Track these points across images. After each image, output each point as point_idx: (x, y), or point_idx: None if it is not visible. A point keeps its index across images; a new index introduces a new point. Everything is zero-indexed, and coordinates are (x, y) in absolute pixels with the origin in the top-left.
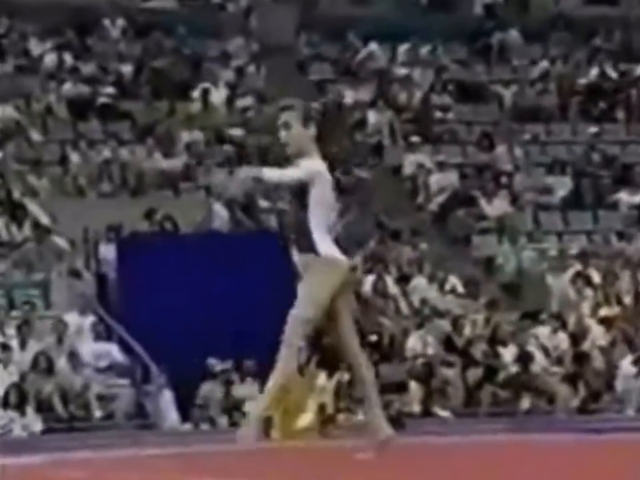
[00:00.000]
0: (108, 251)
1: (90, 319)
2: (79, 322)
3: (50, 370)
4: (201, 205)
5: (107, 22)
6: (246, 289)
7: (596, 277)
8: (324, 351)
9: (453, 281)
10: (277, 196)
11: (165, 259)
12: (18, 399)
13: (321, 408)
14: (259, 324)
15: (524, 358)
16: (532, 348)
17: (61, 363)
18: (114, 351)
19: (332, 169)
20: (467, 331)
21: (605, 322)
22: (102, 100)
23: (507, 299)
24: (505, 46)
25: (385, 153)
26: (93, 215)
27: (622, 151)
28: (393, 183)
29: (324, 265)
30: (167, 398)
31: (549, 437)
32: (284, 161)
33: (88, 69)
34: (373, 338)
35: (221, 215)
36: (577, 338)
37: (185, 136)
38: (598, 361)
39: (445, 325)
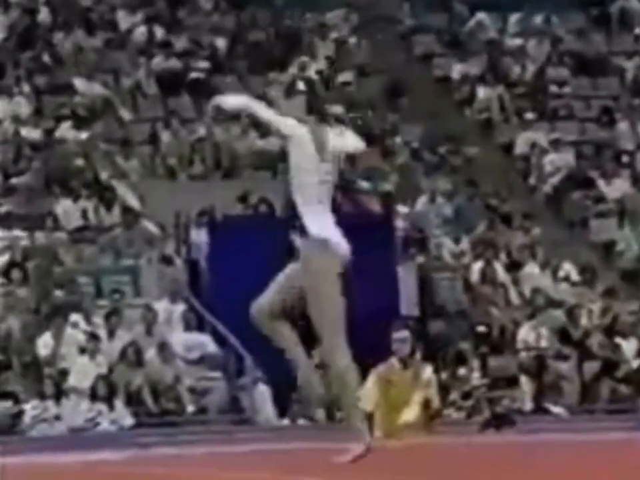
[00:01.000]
0: (199, 236)
1: (181, 308)
2: (169, 310)
3: (139, 361)
4: None
5: None
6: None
7: None
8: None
9: (568, 267)
10: (379, 177)
11: (260, 244)
12: (106, 391)
13: (426, 403)
14: (357, 312)
15: None
16: None
17: (151, 353)
18: (206, 342)
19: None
20: (583, 321)
21: None
22: (194, 75)
23: (627, 288)
24: (626, 14)
25: (495, 130)
26: (184, 198)
27: None
28: (503, 162)
29: (316, 255)
30: (263, 391)
31: None
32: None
33: (179, 42)
34: (482, 329)
35: None
36: None
37: None
38: None
39: (559, 315)
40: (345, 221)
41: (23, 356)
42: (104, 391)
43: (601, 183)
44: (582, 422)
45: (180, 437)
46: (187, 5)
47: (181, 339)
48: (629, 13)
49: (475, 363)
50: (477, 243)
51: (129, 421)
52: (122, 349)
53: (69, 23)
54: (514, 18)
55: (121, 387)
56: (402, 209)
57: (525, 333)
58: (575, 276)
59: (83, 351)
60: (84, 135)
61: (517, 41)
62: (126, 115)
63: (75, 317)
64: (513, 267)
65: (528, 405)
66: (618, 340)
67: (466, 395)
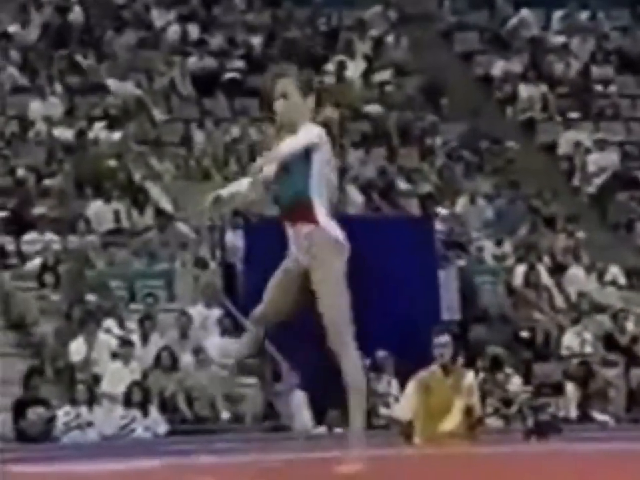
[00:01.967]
0: (235, 239)
1: (216, 312)
2: (204, 315)
3: (174, 367)
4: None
5: None
6: (385, 278)
7: None
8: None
9: (614, 271)
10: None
11: None
12: (140, 397)
13: (468, 410)
14: (398, 317)
15: None
16: None
17: (186, 359)
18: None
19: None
20: (630, 327)
21: None
22: (229, 75)
23: None
24: None
25: (537, 130)
26: None
27: None
28: (546, 163)
29: (327, 248)
30: (299, 398)
31: None
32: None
33: (214, 41)
34: (525, 334)
35: (355, 199)
36: None
37: None
38: None
39: (605, 320)
40: (384, 224)
41: (56, 361)
42: (138, 397)
43: None
44: (629, 430)
45: (215, 444)
46: (222, 2)
47: (216, 344)
48: None
49: (518, 369)
50: (519, 246)
51: (163, 427)
52: (156, 354)
53: (101, 21)
54: (558, 15)
55: (155, 393)
56: (442, 210)
57: (570, 339)
58: (621, 279)
59: (115, 356)
60: (117, 136)
61: (561, 38)
62: (159, 115)
63: (108, 321)
64: (557, 270)
65: (573, 413)
66: None
67: (508, 402)
